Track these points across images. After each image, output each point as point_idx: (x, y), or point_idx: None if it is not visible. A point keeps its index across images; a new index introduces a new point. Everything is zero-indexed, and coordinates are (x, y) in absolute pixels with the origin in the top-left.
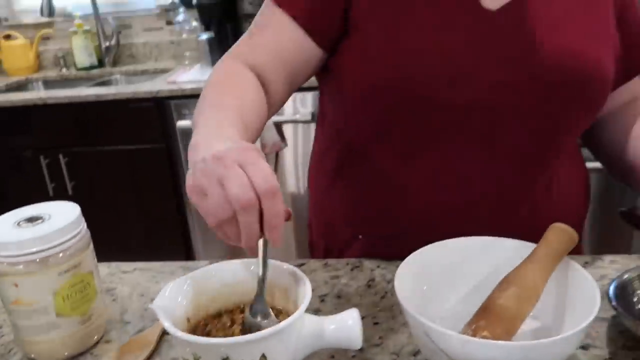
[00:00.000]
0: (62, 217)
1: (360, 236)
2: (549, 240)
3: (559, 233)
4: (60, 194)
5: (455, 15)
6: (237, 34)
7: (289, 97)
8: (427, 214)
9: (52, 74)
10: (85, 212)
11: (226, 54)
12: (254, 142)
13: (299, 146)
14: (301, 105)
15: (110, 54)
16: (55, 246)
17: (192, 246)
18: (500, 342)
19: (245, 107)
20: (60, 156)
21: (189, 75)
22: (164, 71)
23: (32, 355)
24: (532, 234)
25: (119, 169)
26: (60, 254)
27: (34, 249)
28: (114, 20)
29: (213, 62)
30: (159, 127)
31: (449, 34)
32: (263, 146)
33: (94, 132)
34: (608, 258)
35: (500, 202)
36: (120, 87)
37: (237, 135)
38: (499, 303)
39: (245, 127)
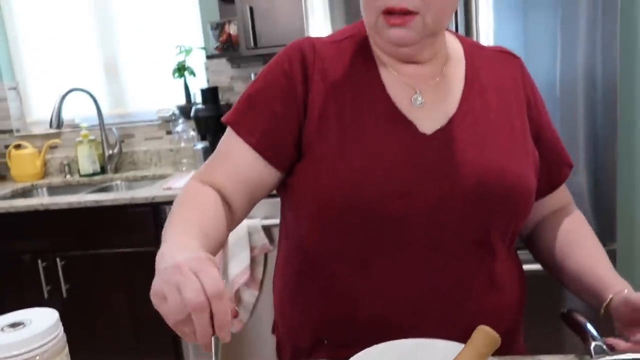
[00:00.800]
0: (41, 322)
1: (325, 341)
2: (474, 341)
3: (484, 335)
4: (54, 297)
5: (395, 139)
6: None
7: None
8: (382, 318)
9: (56, 180)
10: (78, 314)
11: (194, 174)
12: (215, 248)
13: None
14: None
15: (113, 161)
16: (33, 349)
17: (181, 349)
18: None
19: (206, 221)
20: (57, 259)
21: (184, 182)
22: (162, 177)
23: None
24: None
25: (112, 272)
26: (37, 357)
27: (15, 352)
28: (117, 130)
29: None
30: (153, 232)
31: (391, 155)
32: (252, 248)
33: (92, 236)
34: (546, 358)
35: (446, 302)
36: (119, 193)
37: (196, 246)
38: None
39: (207, 237)
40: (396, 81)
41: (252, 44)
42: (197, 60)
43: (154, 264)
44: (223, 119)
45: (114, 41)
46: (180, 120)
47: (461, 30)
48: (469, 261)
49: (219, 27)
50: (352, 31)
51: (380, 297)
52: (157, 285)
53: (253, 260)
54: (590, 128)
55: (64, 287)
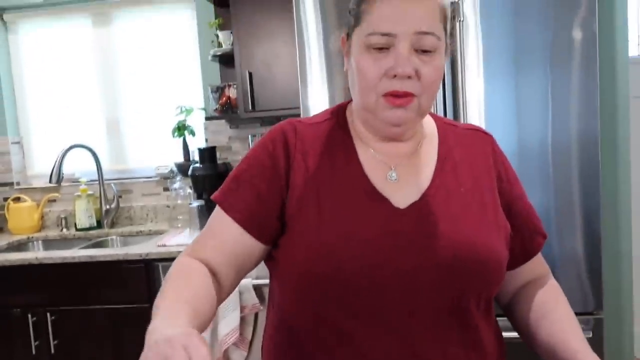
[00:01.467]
0: None
1: None
2: None
3: None
4: (42, 352)
5: (371, 214)
6: None
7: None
8: None
9: (52, 233)
10: None
11: (184, 250)
12: (204, 323)
13: None
14: None
15: (110, 216)
16: None
17: None
18: None
19: (197, 297)
20: (48, 314)
21: (178, 239)
22: (157, 233)
23: None
24: None
25: (102, 328)
26: None
27: None
28: (116, 186)
29: (201, 227)
30: (146, 288)
31: (367, 229)
32: (242, 308)
33: (83, 291)
34: None
35: None
36: (113, 249)
37: (186, 323)
38: None
39: (196, 314)
40: (373, 159)
41: (250, 107)
42: (197, 120)
43: (145, 320)
44: (212, 196)
45: (117, 100)
46: (178, 178)
47: (449, 97)
48: (444, 327)
49: (219, 90)
50: (331, 113)
51: None
52: (148, 357)
53: (243, 319)
54: (586, 191)
55: (52, 343)
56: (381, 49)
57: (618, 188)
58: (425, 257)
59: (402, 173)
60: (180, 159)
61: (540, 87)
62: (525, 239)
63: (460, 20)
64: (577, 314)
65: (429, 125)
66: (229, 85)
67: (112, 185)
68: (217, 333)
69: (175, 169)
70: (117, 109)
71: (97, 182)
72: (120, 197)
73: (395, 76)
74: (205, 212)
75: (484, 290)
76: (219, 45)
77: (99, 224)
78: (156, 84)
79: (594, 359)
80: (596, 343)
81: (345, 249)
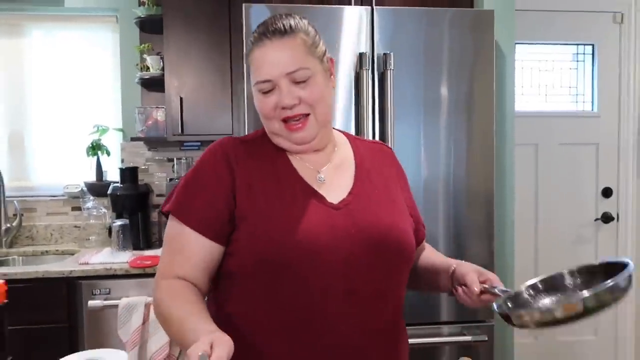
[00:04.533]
0: None
1: None
2: None
3: None
4: None
5: (310, 207)
6: (146, 221)
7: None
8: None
9: None
10: None
11: (157, 276)
12: None
13: None
14: None
15: (9, 235)
16: None
17: None
18: None
19: (197, 303)
20: None
21: (100, 257)
22: (67, 253)
23: None
24: None
25: (13, 349)
26: None
27: None
28: (18, 203)
29: (124, 247)
30: (65, 307)
31: (308, 220)
32: None
33: None
34: None
35: (366, 348)
36: (28, 267)
37: (211, 325)
38: None
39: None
40: (302, 165)
41: (180, 131)
42: (112, 141)
43: (60, 341)
44: (164, 209)
45: (24, 114)
46: (90, 197)
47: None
48: (380, 312)
49: (146, 112)
50: (261, 132)
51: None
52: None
53: None
54: (481, 214)
55: None
56: (269, 90)
57: (505, 215)
58: (358, 243)
59: (327, 175)
60: (90, 178)
61: (444, 131)
62: (416, 229)
63: (391, 70)
64: (473, 322)
65: (340, 137)
66: (157, 108)
67: (15, 202)
68: (146, 350)
69: (85, 188)
70: (23, 123)
71: None
72: (22, 215)
73: (283, 108)
74: (128, 231)
75: (404, 268)
76: (145, 68)
77: None
78: (69, 101)
79: (466, 263)
80: (488, 346)
81: (293, 235)
